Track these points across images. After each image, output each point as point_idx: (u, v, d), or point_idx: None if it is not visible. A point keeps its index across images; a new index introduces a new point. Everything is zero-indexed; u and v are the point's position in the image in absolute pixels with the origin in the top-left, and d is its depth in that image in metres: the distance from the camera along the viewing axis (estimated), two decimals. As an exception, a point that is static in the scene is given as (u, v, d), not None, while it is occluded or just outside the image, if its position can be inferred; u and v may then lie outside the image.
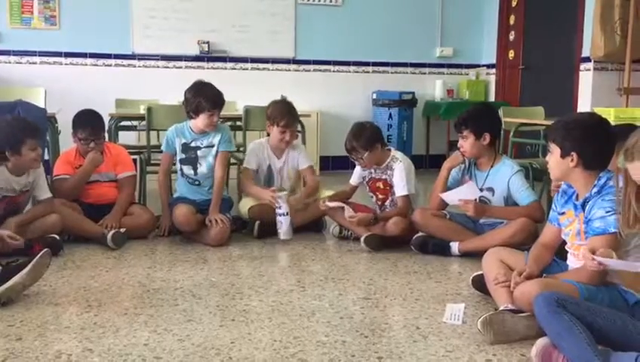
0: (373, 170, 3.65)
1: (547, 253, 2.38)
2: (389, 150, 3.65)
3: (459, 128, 3.30)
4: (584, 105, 5.48)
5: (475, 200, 3.18)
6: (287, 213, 3.51)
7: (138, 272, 2.98)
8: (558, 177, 2.35)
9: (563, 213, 2.35)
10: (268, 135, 3.93)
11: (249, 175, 3.83)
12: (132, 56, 6.11)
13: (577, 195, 2.28)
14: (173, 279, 2.88)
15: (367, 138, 3.50)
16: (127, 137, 4.97)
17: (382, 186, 3.65)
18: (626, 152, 1.74)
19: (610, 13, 5.20)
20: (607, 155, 2.24)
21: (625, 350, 1.75)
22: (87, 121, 3.62)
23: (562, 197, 2.37)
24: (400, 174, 3.53)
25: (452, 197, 3.23)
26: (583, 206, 2.22)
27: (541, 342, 1.93)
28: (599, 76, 5.49)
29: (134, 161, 3.99)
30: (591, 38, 5.36)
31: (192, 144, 3.69)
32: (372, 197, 3.73)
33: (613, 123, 3.60)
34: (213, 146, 3.69)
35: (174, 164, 3.78)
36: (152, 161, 4.28)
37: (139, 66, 6.13)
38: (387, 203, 3.65)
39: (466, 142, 3.27)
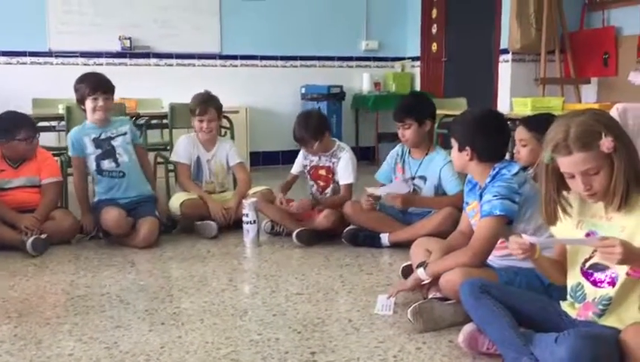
0: (318, 158, 3.67)
1: (464, 239, 2.41)
2: (334, 140, 3.70)
3: (400, 118, 3.34)
4: (504, 95, 5.69)
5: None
6: (254, 221, 3.43)
7: (61, 279, 2.86)
8: (458, 169, 2.50)
9: (468, 204, 2.44)
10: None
11: (186, 171, 3.80)
12: (49, 54, 5.85)
13: (479, 186, 2.37)
14: (99, 284, 2.78)
15: (315, 128, 3.54)
16: (46, 138, 4.75)
17: (324, 173, 3.68)
18: (557, 146, 1.69)
19: (526, 6, 5.42)
20: (501, 147, 2.36)
21: (545, 331, 1.82)
22: (26, 121, 3.55)
23: (467, 186, 2.46)
24: (347, 163, 3.58)
25: (381, 192, 3.29)
26: (481, 196, 2.31)
27: (467, 327, 1.99)
28: (517, 67, 5.71)
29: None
30: (508, 31, 5.57)
31: (102, 136, 3.57)
32: (312, 186, 3.74)
33: (531, 112, 3.77)
34: (125, 134, 3.62)
35: (88, 174, 3.65)
36: (74, 163, 4.12)
37: (56, 64, 5.87)
38: (328, 190, 3.68)
39: (409, 131, 3.33)
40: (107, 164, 3.57)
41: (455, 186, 3.28)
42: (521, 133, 2.79)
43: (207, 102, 3.79)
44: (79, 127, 3.62)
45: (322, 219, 3.44)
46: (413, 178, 3.39)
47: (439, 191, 3.35)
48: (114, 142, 3.58)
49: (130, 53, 6.07)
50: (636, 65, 4.98)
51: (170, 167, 4.39)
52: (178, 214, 3.67)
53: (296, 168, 3.79)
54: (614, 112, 3.55)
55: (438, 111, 4.61)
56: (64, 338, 2.18)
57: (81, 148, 3.56)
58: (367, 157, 6.88)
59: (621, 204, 1.68)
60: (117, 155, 3.57)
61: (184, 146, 3.82)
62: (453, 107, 4.87)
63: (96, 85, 3.51)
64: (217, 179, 3.89)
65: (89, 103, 3.50)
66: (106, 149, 3.57)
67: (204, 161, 3.84)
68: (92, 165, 3.58)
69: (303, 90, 6.62)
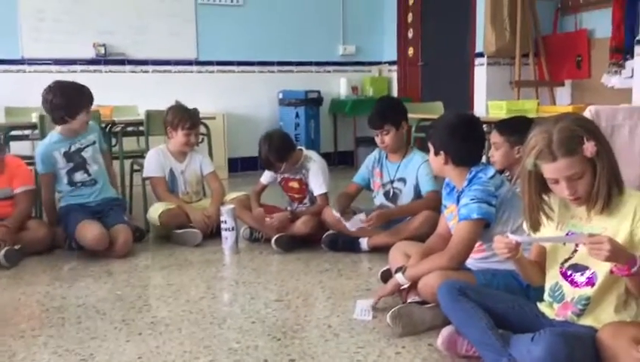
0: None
1: (442, 243, 2.41)
2: (301, 150, 3.66)
3: (377, 124, 3.32)
4: (480, 98, 5.73)
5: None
6: (233, 228, 3.41)
7: (36, 290, 2.81)
8: (436, 173, 2.54)
9: (447, 207, 2.45)
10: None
11: (162, 184, 3.75)
12: (21, 61, 5.75)
13: (457, 189, 2.39)
14: (75, 295, 2.74)
15: (279, 151, 3.48)
16: (19, 147, 4.68)
17: (297, 186, 3.65)
18: (541, 153, 1.69)
19: (500, 10, 5.47)
20: (476, 152, 2.38)
21: (523, 332, 1.83)
22: None
23: (445, 189, 2.48)
24: (316, 173, 3.56)
25: (349, 226, 3.26)
26: (459, 199, 2.32)
27: (446, 330, 2.00)
28: (492, 71, 5.76)
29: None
30: (483, 35, 5.62)
31: (72, 148, 3.52)
32: (286, 197, 3.72)
33: (506, 115, 3.81)
34: (94, 143, 3.59)
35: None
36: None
37: (29, 72, 5.77)
38: (305, 201, 3.66)
39: (388, 136, 3.32)
40: (79, 176, 3.53)
41: (429, 186, 3.27)
42: (494, 137, 2.82)
43: (197, 116, 3.82)
44: (47, 141, 3.53)
45: (300, 224, 3.43)
46: (392, 181, 3.40)
47: (418, 190, 3.35)
48: (84, 154, 3.54)
49: (105, 59, 6.00)
50: (608, 67, 5.06)
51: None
52: (157, 225, 3.63)
53: (265, 178, 3.75)
54: (587, 114, 3.58)
55: (416, 115, 4.67)
56: (39, 351, 2.14)
57: (51, 163, 3.49)
58: (345, 162, 6.89)
59: (604, 207, 1.70)
60: (87, 166, 3.54)
61: (156, 160, 3.76)
62: (430, 111, 4.90)
63: (88, 101, 3.46)
64: (192, 189, 3.86)
65: (82, 117, 3.44)
66: (78, 162, 3.52)
67: (178, 173, 3.80)
68: (63, 179, 3.51)
69: (281, 96, 6.61)
